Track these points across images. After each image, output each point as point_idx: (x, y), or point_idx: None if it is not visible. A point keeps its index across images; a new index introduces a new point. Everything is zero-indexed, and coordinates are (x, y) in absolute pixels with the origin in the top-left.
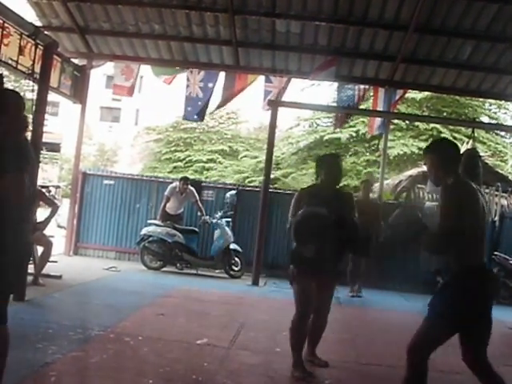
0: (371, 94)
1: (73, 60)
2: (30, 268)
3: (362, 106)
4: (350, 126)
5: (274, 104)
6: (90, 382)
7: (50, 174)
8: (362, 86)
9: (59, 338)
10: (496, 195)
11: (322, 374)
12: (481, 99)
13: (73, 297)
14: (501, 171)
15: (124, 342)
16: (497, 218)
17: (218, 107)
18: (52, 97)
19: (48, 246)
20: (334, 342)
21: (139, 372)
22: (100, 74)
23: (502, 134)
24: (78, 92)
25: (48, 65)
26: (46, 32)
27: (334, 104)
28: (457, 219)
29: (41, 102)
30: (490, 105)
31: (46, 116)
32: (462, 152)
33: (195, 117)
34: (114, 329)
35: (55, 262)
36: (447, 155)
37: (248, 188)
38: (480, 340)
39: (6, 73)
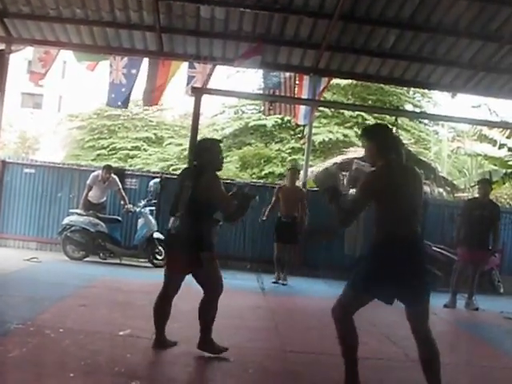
0: (297, 81)
1: None
2: None
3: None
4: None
5: (198, 91)
6: (9, 377)
7: None
8: (287, 74)
9: None
10: None
11: (245, 362)
12: (405, 87)
13: None
14: (424, 158)
15: (44, 334)
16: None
17: (148, 103)
18: None
19: None
20: (258, 329)
21: (60, 365)
22: (21, 59)
23: (426, 121)
24: None
25: None
26: None
27: (260, 91)
28: (363, 198)
29: None
30: (414, 93)
31: None
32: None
33: (119, 103)
34: (34, 321)
35: None
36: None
37: (172, 176)
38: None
39: None
